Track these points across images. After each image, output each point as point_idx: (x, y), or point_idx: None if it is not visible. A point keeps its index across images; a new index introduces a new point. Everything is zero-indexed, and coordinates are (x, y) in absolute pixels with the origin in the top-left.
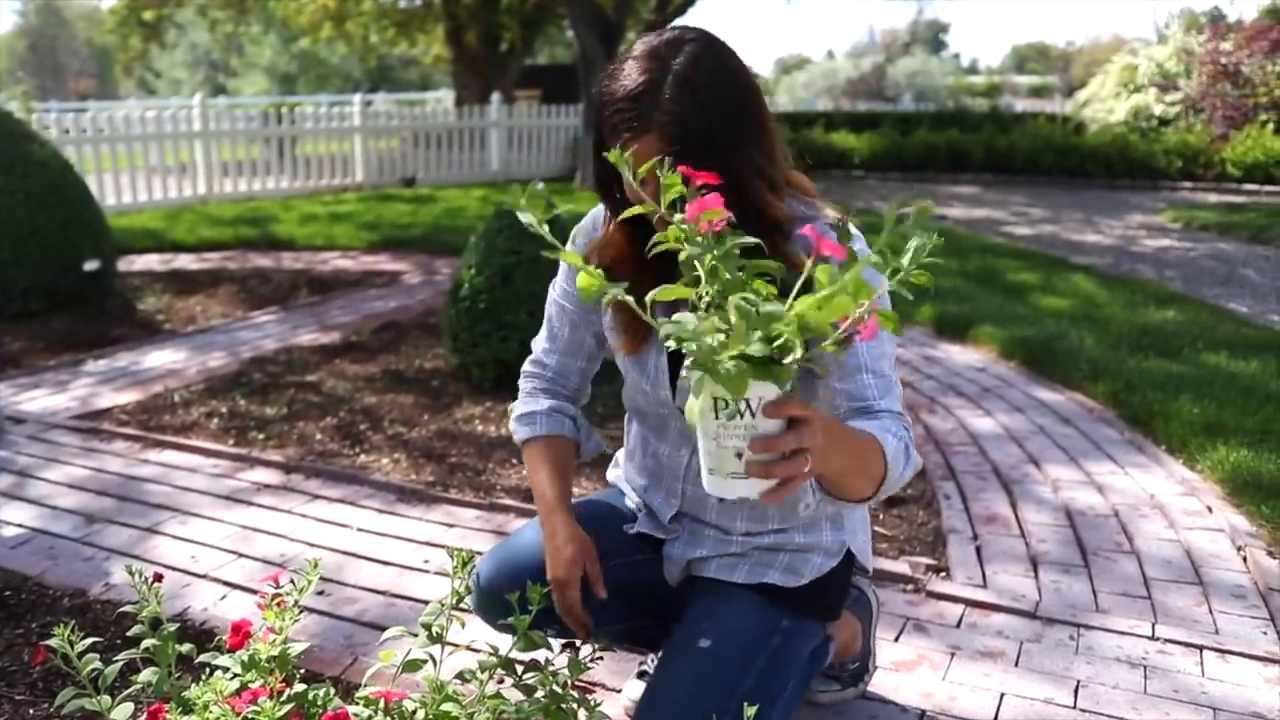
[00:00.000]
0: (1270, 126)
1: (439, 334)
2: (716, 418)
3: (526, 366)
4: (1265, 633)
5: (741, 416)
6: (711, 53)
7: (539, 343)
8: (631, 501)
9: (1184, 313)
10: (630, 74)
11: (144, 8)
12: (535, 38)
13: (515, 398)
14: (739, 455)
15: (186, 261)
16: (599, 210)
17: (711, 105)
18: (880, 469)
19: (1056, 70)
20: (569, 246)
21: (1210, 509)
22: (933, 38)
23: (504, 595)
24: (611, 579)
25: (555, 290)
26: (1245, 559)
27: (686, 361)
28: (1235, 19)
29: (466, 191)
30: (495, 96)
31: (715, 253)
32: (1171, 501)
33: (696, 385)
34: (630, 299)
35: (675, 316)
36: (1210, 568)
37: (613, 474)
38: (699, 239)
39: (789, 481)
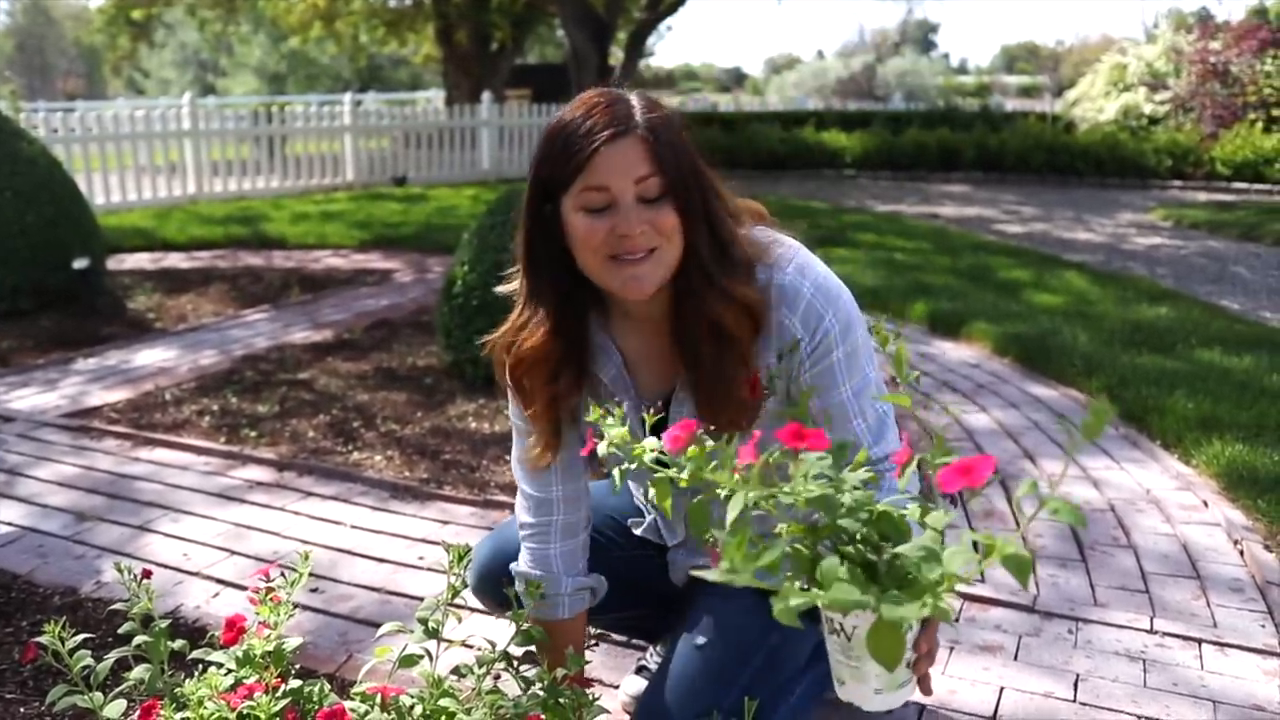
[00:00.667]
0: (1259, 125)
1: (431, 332)
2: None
3: (524, 517)
4: (1263, 625)
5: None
6: (662, 105)
7: (524, 487)
8: (640, 500)
9: (1176, 309)
10: (594, 105)
11: (132, 7)
12: (526, 37)
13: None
14: (909, 665)
15: (177, 260)
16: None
17: (671, 129)
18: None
19: (1046, 70)
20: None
21: (1206, 503)
22: (922, 37)
23: (500, 578)
24: (611, 570)
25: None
26: (1242, 553)
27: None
28: (1223, 19)
29: (458, 190)
30: (486, 96)
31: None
32: (1167, 496)
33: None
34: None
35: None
36: (1207, 561)
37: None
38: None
39: (927, 675)
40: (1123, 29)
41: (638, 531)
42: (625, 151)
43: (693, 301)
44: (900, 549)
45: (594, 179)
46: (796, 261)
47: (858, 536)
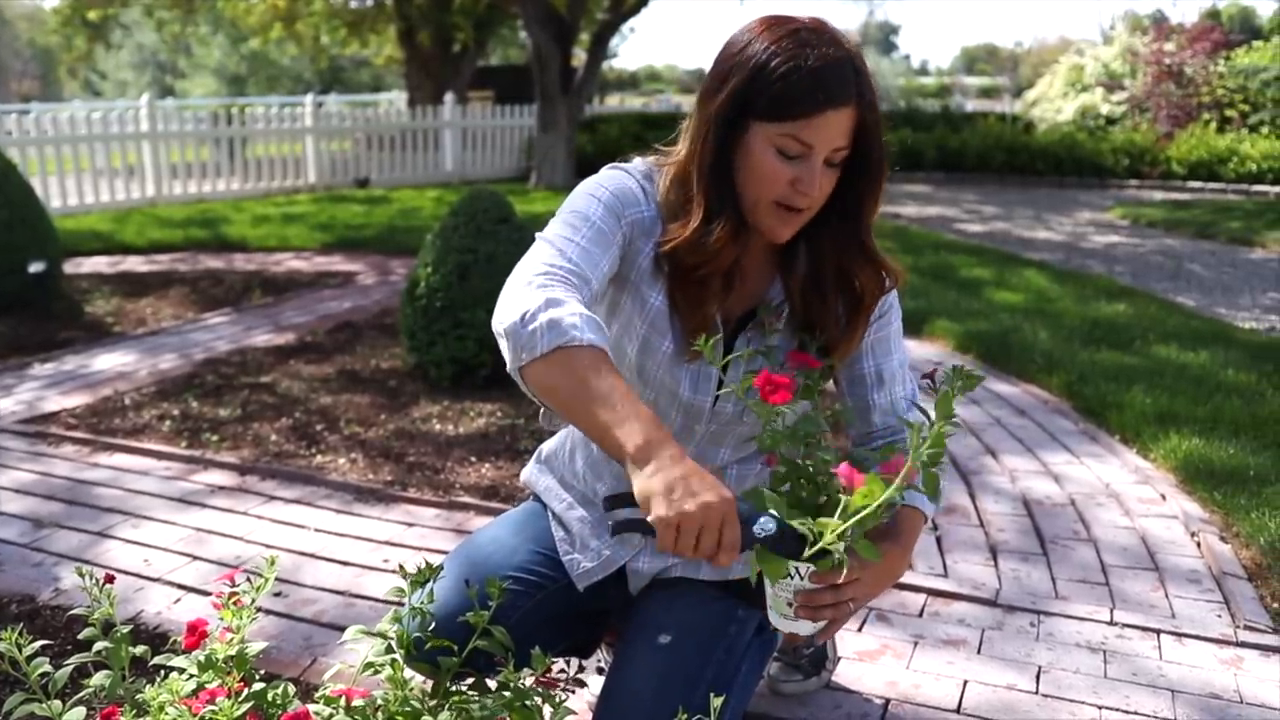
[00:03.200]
0: (1213, 125)
1: (395, 334)
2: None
3: (560, 262)
4: (1220, 616)
5: (790, 579)
6: (862, 55)
7: (567, 253)
8: (568, 512)
9: (1134, 306)
10: (815, 44)
11: (88, 8)
12: (488, 38)
13: (472, 397)
14: (789, 604)
15: (135, 263)
16: (640, 178)
17: (877, 105)
18: (920, 528)
19: (1005, 71)
20: (610, 211)
21: (1164, 496)
22: (883, 39)
23: (455, 633)
24: (541, 614)
25: (591, 210)
26: (1199, 544)
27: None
28: (1178, 21)
29: (421, 192)
30: (449, 97)
31: (782, 433)
32: (1126, 490)
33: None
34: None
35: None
36: (1165, 554)
37: (538, 476)
38: (768, 415)
39: (835, 621)
40: (1080, 31)
41: (588, 563)
42: (841, 120)
43: (828, 245)
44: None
45: (806, 134)
46: None
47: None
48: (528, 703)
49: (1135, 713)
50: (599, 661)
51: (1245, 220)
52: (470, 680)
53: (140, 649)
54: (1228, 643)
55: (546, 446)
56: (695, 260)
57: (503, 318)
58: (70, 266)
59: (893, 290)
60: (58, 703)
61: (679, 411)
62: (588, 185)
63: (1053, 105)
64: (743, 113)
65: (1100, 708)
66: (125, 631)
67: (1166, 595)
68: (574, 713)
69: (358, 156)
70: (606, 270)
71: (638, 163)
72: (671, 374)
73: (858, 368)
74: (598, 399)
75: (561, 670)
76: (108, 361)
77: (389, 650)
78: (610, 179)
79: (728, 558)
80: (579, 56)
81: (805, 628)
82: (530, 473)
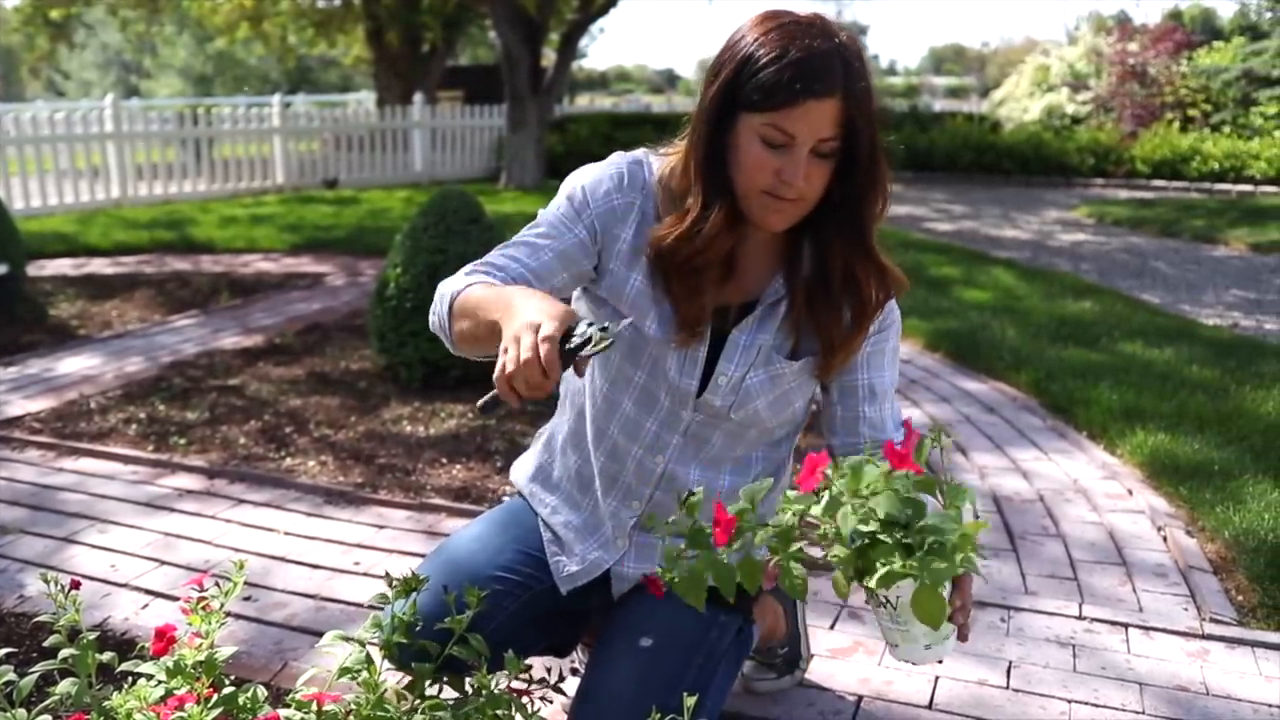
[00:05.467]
0: (1176, 124)
1: (365, 335)
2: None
3: (479, 262)
4: (1186, 609)
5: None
6: (862, 48)
7: (504, 247)
8: (553, 516)
9: (1100, 304)
10: (803, 35)
11: (50, 7)
12: (457, 38)
13: (443, 398)
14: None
15: (101, 266)
16: (624, 167)
17: (869, 95)
18: None
19: (972, 71)
20: (570, 207)
21: (1131, 492)
22: None
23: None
24: (525, 615)
25: (550, 211)
26: (1165, 539)
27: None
28: (1141, 22)
29: (390, 193)
30: (418, 97)
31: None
32: (1094, 485)
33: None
34: None
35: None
36: (1133, 548)
37: (526, 480)
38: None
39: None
40: (1045, 31)
41: (573, 566)
42: (824, 110)
43: (830, 241)
44: (925, 520)
45: (788, 124)
46: None
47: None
48: (500, 712)
49: (1104, 706)
50: (573, 662)
51: (1208, 218)
52: (446, 678)
53: (107, 655)
54: (1194, 635)
55: (534, 451)
56: (691, 250)
57: (430, 312)
58: (34, 269)
59: (892, 301)
60: (23, 711)
61: (667, 394)
62: (567, 181)
63: (1019, 105)
64: (732, 104)
65: (1070, 701)
66: (92, 638)
67: (1134, 589)
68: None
69: (326, 157)
70: (551, 258)
71: (639, 152)
72: (660, 353)
73: (851, 379)
74: (483, 310)
75: (542, 679)
76: (73, 365)
77: (367, 657)
78: (590, 172)
79: (548, 363)
80: (549, 56)
81: (954, 639)
82: (518, 475)
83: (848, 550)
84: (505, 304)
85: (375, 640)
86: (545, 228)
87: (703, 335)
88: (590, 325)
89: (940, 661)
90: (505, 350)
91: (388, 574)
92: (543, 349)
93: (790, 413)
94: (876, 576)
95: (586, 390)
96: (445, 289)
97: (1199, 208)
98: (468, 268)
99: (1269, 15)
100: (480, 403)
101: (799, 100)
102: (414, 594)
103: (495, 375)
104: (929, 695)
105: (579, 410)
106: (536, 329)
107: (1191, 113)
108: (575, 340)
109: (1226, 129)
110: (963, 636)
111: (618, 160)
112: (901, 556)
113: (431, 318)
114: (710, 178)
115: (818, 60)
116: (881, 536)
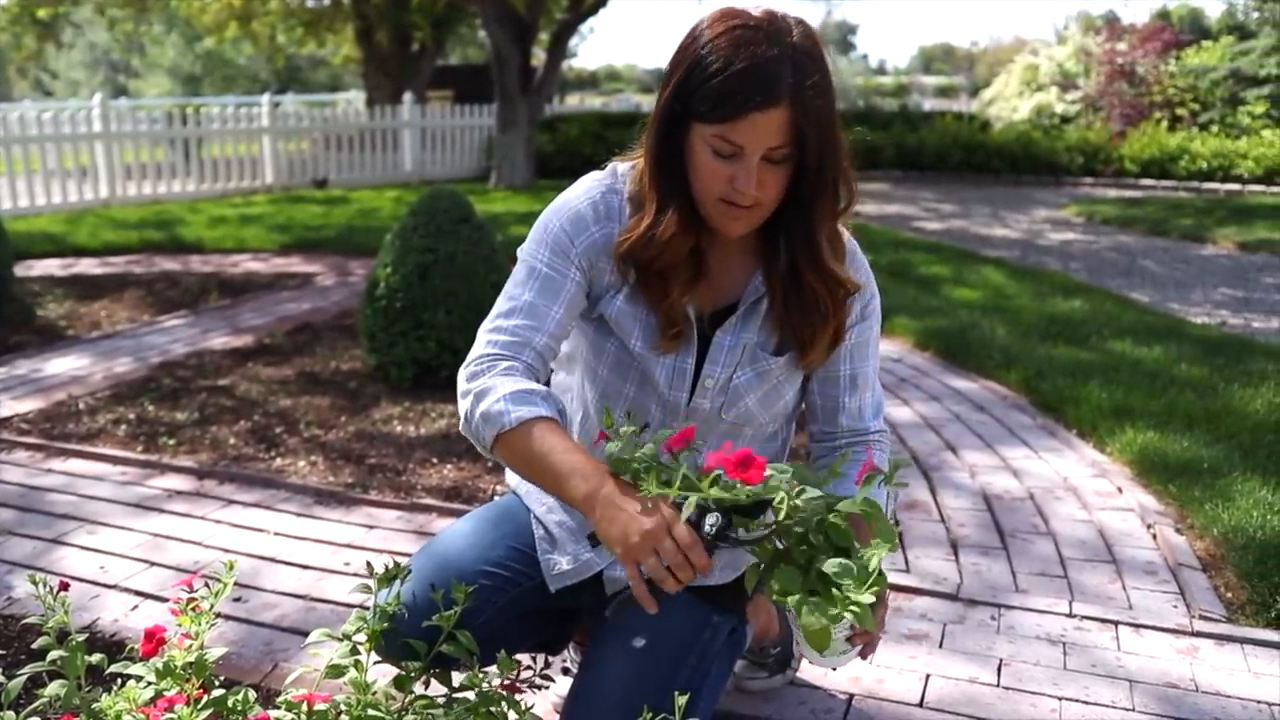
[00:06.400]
0: (1164, 123)
1: (354, 335)
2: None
3: (497, 337)
4: (1175, 606)
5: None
6: (818, 43)
7: (511, 316)
8: (548, 515)
9: (1089, 302)
10: (749, 43)
11: (38, 6)
12: (447, 37)
13: (433, 398)
14: (847, 638)
15: (89, 266)
16: (597, 196)
17: (821, 95)
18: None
19: (962, 70)
20: (557, 253)
21: (1120, 489)
22: (841, 39)
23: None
24: (514, 610)
25: (538, 258)
26: (1155, 536)
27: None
28: (1129, 21)
29: (380, 192)
30: (407, 97)
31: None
32: (1084, 483)
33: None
34: None
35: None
36: (1122, 546)
37: (518, 479)
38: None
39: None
40: (1034, 31)
41: (565, 565)
42: (771, 120)
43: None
44: (826, 566)
45: (734, 136)
46: (853, 242)
47: (810, 539)
48: (493, 709)
49: (1094, 703)
50: (565, 661)
51: (1196, 217)
52: (435, 671)
53: (96, 657)
54: (1183, 633)
55: None
56: (650, 254)
57: (459, 408)
58: (21, 269)
59: (874, 289)
60: (11, 714)
61: (658, 406)
62: (543, 220)
63: (1008, 104)
64: (684, 110)
65: (1060, 699)
66: (81, 640)
67: (1124, 587)
68: (539, 718)
69: (316, 157)
70: (562, 313)
71: (609, 170)
72: (647, 367)
73: (834, 369)
74: (539, 469)
75: (528, 667)
76: (61, 365)
77: (354, 652)
78: (564, 209)
79: (699, 560)
80: (538, 56)
81: (853, 654)
82: (513, 476)
83: (762, 556)
84: (586, 488)
85: (361, 638)
86: (542, 282)
87: (687, 340)
88: (703, 509)
89: (835, 670)
90: (634, 563)
91: (369, 564)
92: (693, 556)
93: (782, 405)
94: (774, 592)
95: (578, 400)
96: (483, 406)
97: (1187, 207)
98: (485, 343)
99: (1256, 15)
100: (613, 611)
101: (743, 113)
102: (395, 582)
103: (635, 591)
104: (920, 693)
105: (572, 419)
106: (666, 531)
107: (1180, 112)
108: (709, 530)
109: (1214, 128)
110: (864, 655)
111: (590, 189)
112: (801, 580)
113: (463, 425)
114: (664, 182)
115: (763, 70)
116: (791, 555)
